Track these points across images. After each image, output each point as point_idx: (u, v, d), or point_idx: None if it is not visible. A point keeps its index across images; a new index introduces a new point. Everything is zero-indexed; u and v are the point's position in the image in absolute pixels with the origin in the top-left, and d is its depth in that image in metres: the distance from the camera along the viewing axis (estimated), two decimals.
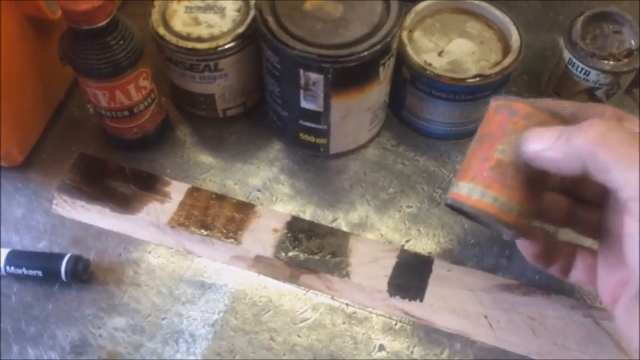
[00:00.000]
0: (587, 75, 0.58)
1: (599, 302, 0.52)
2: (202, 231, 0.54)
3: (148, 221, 0.54)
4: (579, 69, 0.58)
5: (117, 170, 0.57)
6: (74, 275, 0.51)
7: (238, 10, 0.56)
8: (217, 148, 0.61)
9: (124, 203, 0.55)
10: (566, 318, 0.50)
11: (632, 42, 0.57)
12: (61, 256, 0.51)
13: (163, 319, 0.51)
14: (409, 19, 0.58)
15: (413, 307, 0.51)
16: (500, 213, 0.37)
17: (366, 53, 0.49)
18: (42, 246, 0.54)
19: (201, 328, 0.50)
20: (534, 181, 0.37)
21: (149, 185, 0.56)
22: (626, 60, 0.57)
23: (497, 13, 0.59)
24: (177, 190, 0.56)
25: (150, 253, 0.54)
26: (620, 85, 0.59)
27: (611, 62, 0.57)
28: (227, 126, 0.62)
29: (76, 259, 0.51)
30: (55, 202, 0.56)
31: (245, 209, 0.55)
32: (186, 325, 0.50)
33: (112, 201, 0.55)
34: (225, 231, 0.54)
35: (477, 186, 0.37)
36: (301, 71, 0.50)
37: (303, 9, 0.51)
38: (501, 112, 0.38)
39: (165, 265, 0.54)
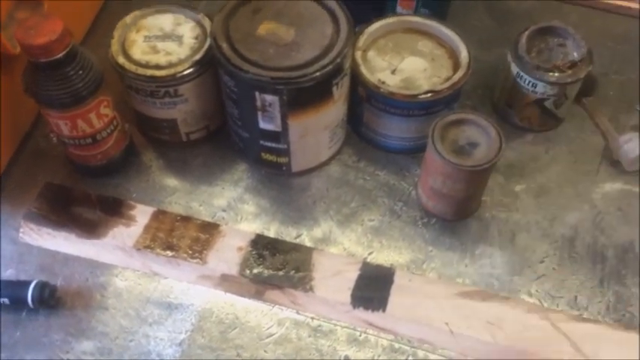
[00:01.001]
0: (535, 87, 0.60)
1: (556, 305, 0.54)
2: (168, 252, 0.55)
3: (114, 245, 0.55)
4: (527, 81, 0.60)
5: (83, 197, 0.58)
6: (41, 301, 0.51)
7: (196, 38, 0.58)
8: (182, 172, 0.62)
9: (89, 229, 0.56)
10: (523, 321, 0.51)
11: (575, 54, 0.60)
12: (27, 283, 0.52)
13: (131, 340, 0.52)
14: (362, 40, 0.60)
15: (376, 317, 0.52)
16: None
17: (317, 74, 0.51)
18: (9, 274, 0.55)
19: (168, 348, 0.51)
20: None
21: (115, 210, 0.57)
22: (570, 71, 0.60)
23: (447, 31, 0.61)
24: (142, 214, 0.57)
25: (117, 276, 0.55)
26: (566, 95, 0.61)
27: (556, 74, 0.59)
28: (191, 149, 0.63)
29: (42, 286, 0.52)
30: (21, 230, 0.56)
31: (210, 229, 0.57)
32: (153, 346, 0.51)
33: (78, 227, 0.56)
34: (190, 251, 0.55)
35: None
36: (257, 94, 0.52)
37: (257, 34, 0.53)
38: None
39: (132, 288, 0.54)
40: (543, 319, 0.52)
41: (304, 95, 0.52)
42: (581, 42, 0.60)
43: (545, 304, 0.54)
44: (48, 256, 0.56)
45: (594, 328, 0.51)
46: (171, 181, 0.61)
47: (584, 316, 0.53)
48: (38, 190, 0.59)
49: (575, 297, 0.54)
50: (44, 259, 0.56)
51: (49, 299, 0.52)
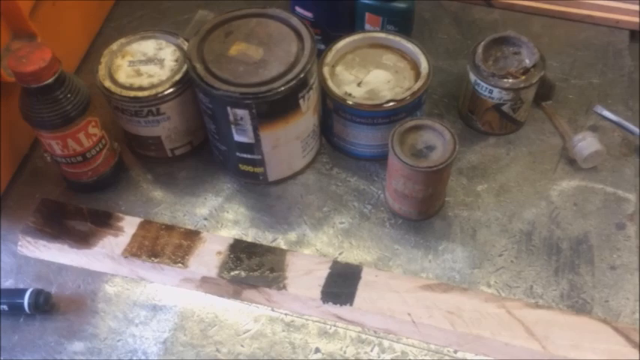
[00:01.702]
0: (491, 93, 0.65)
1: (513, 295, 0.57)
2: (153, 259, 0.59)
3: (104, 254, 0.60)
4: (484, 88, 0.65)
5: (75, 211, 0.63)
6: (36, 307, 0.56)
7: (176, 60, 0.63)
8: (168, 185, 0.67)
9: (81, 239, 0.61)
10: (481, 310, 0.55)
11: (528, 61, 0.64)
12: (23, 291, 0.56)
13: (119, 340, 0.56)
14: (330, 56, 0.65)
15: (344, 311, 0.56)
16: None
17: (282, 88, 0.56)
18: (9, 284, 0.60)
19: (153, 346, 0.56)
20: None
21: (104, 221, 0.62)
22: (523, 77, 0.64)
23: (409, 45, 0.66)
24: (129, 224, 0.62)
25: (106, 282, 0.60)
26: (522, 99, 0.65)
27: (510, 80, 0.64)
28: (177, 164, 0.68)
29: (37, 293, 0.56)
30: (19, 243, 0.62)
31: (192, 236, 0.61)
32: (139, 345, 0.56)
33: (70, 238, 0.61)
34: (173, 257, 0.60)
35: None
36: (229, 109, 0.57)
37: (228, 54, 0.59)
38: None
39: (120, 292, 0.59)
40: (500, 308, 0.55)
41: (272, 108, 0.57)
42: (534, 50, 0.65)
43: (503, 294, 0.57)
44: (44, 266, 0.61)
45: (547, 313, 0.55)
46: (158, 194, 0.66)
47: (539, 304, 0.56)
48: (35, 206, 0.64)
49: (531, 286, 0.58)
50: (40, 269, 0.60)
51: (44, 305, 0.57)
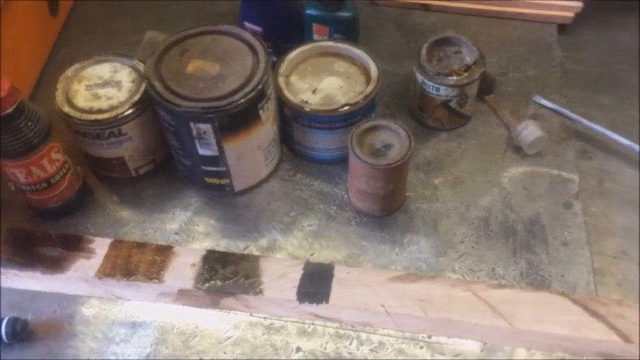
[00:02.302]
0: (438, 91, 0.68)
1: (477, 278, 0.61)
2: (127, 277, 0.60)
3: (78, 277, 0.60)
4: (431, 87, 0.69)
5: (44, 237, 0.63)
6: (14, 336, 0.56)
7: (133, 81, 0.64)
8: (135, 204, 0.68)
9: (53, 265, 0.61)
10: (449, 295, 0.59)
11: (469, 59, 0.69)
12: None
13: None
14: (284, 67, 0.68)
15: (320, 309, 0.58)
16: None
17: (242, 100, 0.58)
18: None
19: None
20: None
21: (74, 245, 0.63)
22: (466, 74, 0.68)
23: (358, 51, 0.69)
24: (100, 245, 0.63)
25: (82, 305, 0.60)
26: (467, 94, 0.70)
27: (455, 77, 0.68)
28: (142, 183, 0.69)
29: (13, 321, 0.56)
30: None
31: (164, 251, 0.62)
32: None
33: (42, 265, 0.61)
34: (148, 273, 0.60)
35: None
36: (192, 124, 0.59)
37: (186, 72, 0.60)
38: None
39: (97, 313, 0.59)
40: (466, 291, 0.59)
41: (234, 120, 0.59)
42: (473, 48, 0.69)
43: (468, 278, 0.61)
44: (16, 294, 0.60)
45: (509, 292, 0.59)
46: (126, 214, 0.67)
47: (502, 284, 0.60)
48: (1, 236, 0.63)
49: (493, 268, 0.62)
50: (13, 298, 0.60)
51: (22, 333, 0.56)
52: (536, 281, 0.61)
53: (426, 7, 0.87)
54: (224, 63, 0.61)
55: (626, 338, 0.55)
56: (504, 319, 0.57)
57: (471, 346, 0.57)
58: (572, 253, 0.62)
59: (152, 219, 0.66)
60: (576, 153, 0.71)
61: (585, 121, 0.72)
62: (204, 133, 0.59)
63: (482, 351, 0.56)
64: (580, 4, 0.83)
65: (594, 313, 0.57)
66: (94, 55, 0.67)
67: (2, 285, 0.61)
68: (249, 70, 0.60)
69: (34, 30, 0.78)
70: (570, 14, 0.84)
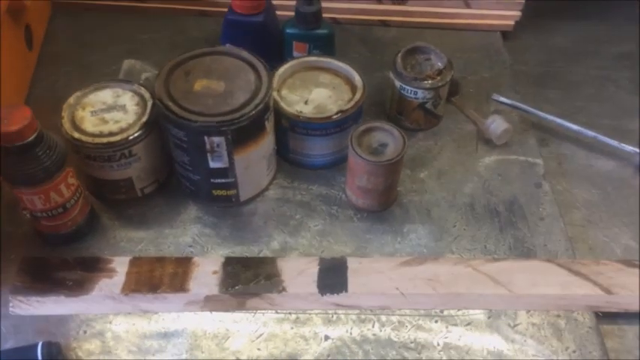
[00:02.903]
0: (416, 94, 0.76)
1: (473, 255, 0.68)
2: (154, 290, 0.62)
3: (103, 296, 0.62)
4: (409, 91, 0.76)
5: (60, 262, 0.64)
6: (51, 358, 0.57)
7: (137, 104, 0.67)
8: (144, 223, 0.70)
9: (76, 287, 0.62)
10: (453, 272, 0.65)
11: (440, 64, 0.77)
12: (34, 346, 0.57)
13: None
14: (275, 82, 0.73)
15: (341, 298, 0.63)
16: None
17: (253, 112, 0.62)
18: (9, 346, 0.59)
19: None
20: None
21: (94, 267, 0.64)
22: (439, 77, 0.76)
23: (340, 64, 0.76)
24: (120, 264, 0.64)
25: (111, 322, 0.61)
26: (440, 96, 0.77)
27: (430, 81, 0.75)
28: (146, 203, 0.71)
29: (48, 345, 0.57)
30: (11, 305, 0.61)
31: (184, 263, 0.65)
32: None
33: (64, 288, 0.62)
34: (173, 284, 0.63)
35: None
36: (206, 138, 0.62)
37: (194, 90, 0.64)
38: None
39: (128, 329, 0.61)
40: (467, 267, 0.66)
41: (245, 132, 0.63)
42: (441, 55, 0.77)
43: (465, 257, 0.68)
44: (42, 320, 0.61)
45: (504, 264, 0.66)
46: (137, 234, 0.69)
47: (496, 257, 0.67)
48: (17, 266, 0.64)
49: (485, 245, 0.69)
50: (39, 324, 0.61)
51: (57, 355, 0.57)
52: (524, 252, 0.68)
53: (385, 23, 0.95)
54: (228, 80, 0.65)
55: (607, 291, 0.64)
56: (504, 287, 0.64)
57: (479, 315, 0.63)
58: (549, 225, 0.71)
59: (164, 235, 0.69)
60: (536, 141, 0.80)
61: (540, 113, 0.82)
62: (218, 146, 0.63)
63: (489, 318, 0.63)
64: (519, 13, 0.94)
65: (578, 273, 0.65)
66: (97, 78, 0.69)
67: (24, 313, 0.61)
68: (254, 85, 0.65)
69: (15, 63, 0.78)
70: (511, 22, 0.95)
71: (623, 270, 0.65)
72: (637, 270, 0.65)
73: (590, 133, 0.79)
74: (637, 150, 0.77)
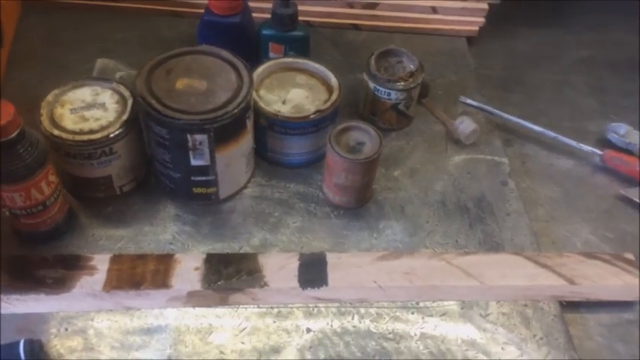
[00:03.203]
0: (389, 95, 0.79)
1: (445, 250, 0.71)
2: (136, 287, 0.63)
3: (84, 293, 0.62)
4: (383, 92, 0.79)
5: (40, 260, 0.64)
6: (33, 356, 0.56)
7: (117, 102, 0.67)
8: (123, 221, 0.70)
9: (57, 285, 0.62)
10: (428, 265, 0.68)
11: (412, 66, 0.80)
12: (16, 344, 0.56)
13: None
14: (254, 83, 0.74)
15: (322, 292, 0.65)
16: None
17: (236, 110, 0.64)
18: None
19: None
20: None
21: (74, 264, 0.64)
22: (411, 79, 0.79)
23: (316, 65, 0.78)
24: (101, 262, 0.64)
25: (93, 320, 0.62)
26: (412, 97, 0.80)
27: (402, 83, 0.78)
28: (125, 201, 0.71)
29: (30, 342, 0.57)
30: None
31: (166, 260, 0.65)
32: None
33: (45, 286, 0.62)
34: (155, 281, 0.63)
35: None
36: (188, 136, 0.63)
37: (176, 89, 0.65)
38: None
39: (110, 325, 0.61)
40: (441, 261, 0.68)
41: (226, 130, 0.65)
42: (413, 57, 0.80)
43: (438, 251, 0.71)
44: (22, 318, 0.61)
45: (475, 257, 0.69)
46: (116, 231, 0.69)
47: (467, 251, 0.71)
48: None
49: (456, 240, 0.72)
50: (19, 322, 0.60)
51: (40, 353, 0.57)
52: (493, 246, 0.72)
53: (356, 27, 0.97)
54: (209, 80, 0.66)
55: (570, 281, 0.67)
56: (476, 279, 0.67)
57: (453, 306, 0.66)
58: (515, 220, 0.75)
59: (144, 233, 0.69)
60: (502, 141, 0.84)
61: (505, 115, 0.86)
62: (200, 143, 0.64)
63: (462, 308, 0.66)
64: (482, 20, 0.98)
65: (543, 265, 0.69)
66: (71, 77, 0.69)
67: (5, 312, 0.60)
68: (235, 84, 0.66)
69: None
70: (475, 28, 0.99)
71: (584, 262, 0.70)
72: (598, 262, 0.69)
73: (551, 133, 0.84)
74: (595, 150, 0.82)
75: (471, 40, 1.00)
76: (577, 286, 0.67)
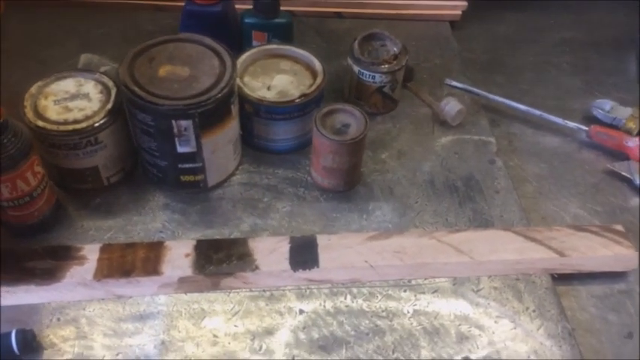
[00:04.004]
0: (374, 78, 0.79)
1: (435, 228, 0.71)
2: (127, 275, 0.62)
3: (75, 283, 0.61)
4: (367, 76, 0.79)
5: (30, 252, 0.63)
6: (26, 345, 0.56)
7: (101, 92, 0.67)
8: (111, 211, 0.70)
9: (47, 276, 0.61)
10: (418, 243, 0.68)
11: (395, 49, 0.80)
12: (7, 334, 0.56)
13: (118, 354, 0.58)
14: (237, 69, 0.74)
15: (313, 273, 0.65)
16: None
17: (219, 95, 0.64)
18: None
19: (153, 349, 0.59)
20: None
21: (64, 255, 0.63)
22: (395, 62, 0.79)
23: (300, 51, 0.78)
24: (90, 251, 0.64)
25: (84, 309, 0.61)
26: (397, 80, 0.81)
27: (386, 66, 0.79)
28: (113, 192, 0.71)
29: (22, 332, 0.56)
30: None
31: (156, 247, 0.65)
32: (140, 351, 0.59)
33: (35, 277, 0.61)
34: (145, 268, 0.63)
35: None
36: (173, 122, 0.63)
37: (159, 76, 0.65)
38: None
39: (102, 314, 0.61)
40: (431, 239, 0.69)
41: (211, 115, 0.65)
42: (396, 40, 0.81)
43: (428, 229, 0.71)
44: (12, 310, 0.60)
45: (465, 234, 0.69)
46: (105, 222, 0.69)
47: (457, 229, 0.71)
48: None
49: (446, 219, 0.72)
50: (9, 314, 0.60)
51: (32, 342, 0.57)
52: (482, 223, 0.72)
53: (339, 15, 0.98)
54: (192, 66, 0.66)
55: (560, 254, 0.68)
56: (466, 255, 0.67)
57: (444, 283, 0.66)
58: (504, 198, 0.75)
59: (133, 222, 0.69)
60: (488, 121, 0.85)
61: (490, 96, 0.86)
62: (185, 129, 0.64)
63: (454, 284, 0.66)
64: (465, 4, 0.99)
65: (533, 239, 0.69)
66: (53, 72, 0.69)
67: None
68: (218, 70, 0.66)
69: None
70: (458, 12, 0.99)
71: (574, 234, 0.70)
72: (587, 234, 0.70)
73: (537, 112, 0.84)
74: (581, 126, 0.83)
75: (454, 24, 1.00)
76: (567, 258, 0.67)
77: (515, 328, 0.63)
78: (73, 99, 0.66)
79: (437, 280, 0.66)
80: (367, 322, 0.62)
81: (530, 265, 0.68)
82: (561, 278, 0.68)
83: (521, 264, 0.67)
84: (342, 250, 0.67)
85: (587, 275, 0.68)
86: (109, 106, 0.66)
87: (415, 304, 0.64)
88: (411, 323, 0.63)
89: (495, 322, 0.63)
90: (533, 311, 0.64)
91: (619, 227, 0.71)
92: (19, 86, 0.69)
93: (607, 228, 0.71)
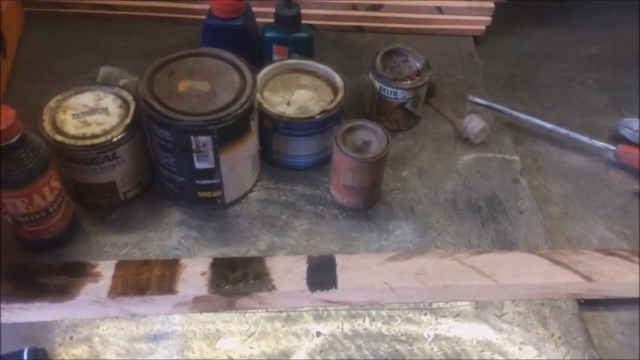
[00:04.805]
0: (396, 95, 0.77)
1: (457, 249, 0.69)
2: (141, 293, 0.61)
3: (89, 300, 0.61)
4: (389, 92, 0.77)
5: (43, 268, 0.63)
6: None
7: (120, 107, 0.67)
8: (127, 227, 0.69)
9: (61, 293, 0.61)
10: (439, 265, 0.66)
11: (418, 64, 0.79)
12: (19, 353, 0.55)
13: None
14: (257, 84, 0.73)
15: (331, 294, 0.63)
16: None
17: (239, 111, 0.63)
18: None
19: None
20: None
21: (78, 271, 0.63)
22: (417, 78, 0.78)
23: (321, 66, 0.77)
24: (105, 268, 0.63)
25: (98, 327, 0.60)
26: (419, 96, 0.79)
27: (409, 82, 0.77)
28: (129, 207, 0.70)
29: (34, 351, 0.56)
30: None
31: (172, 265, 0.64)
32: None
33: (48, 294, 0.60)
34: (160, 287, 0.62)
35: None
36: (192, 138, 0.62)
37: (178, 91, 0.64)
38: None
39: (115, 333, 0.60)
40: (453, 260, 0.67)
41: (230, 131, 0.64)
42: (419, 56, 0.79)
43: (450, 250, 0.69)
44: (25, 327, 0.59)
45: (488, 256, 0.67)
46: (120, 238, 0.68)
47: (480, 250, 0.69)
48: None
49: (469, 240, 0.70)
50: (23, 331, 0.59)
51: None
52: (506, 245, 0.70)
53: (360, 29, 0.97)
54: (212, 81, 0.65)
55: (587, 278, 0.65)
56: (490, 278, 0.65)
57: (466, 307, 0.64)
58: (529, 219, 0.73)
59: (149, 239, 0.68)
60: (512, 139, 0.83)
61: (515, 113, 0.84)
62: (204, 145, 0.63)
63: (476, 308, 0.64)
64: (489, 19, 0.97)
65: (559, 263, 0.67)
66: (72, 85, 0.68)
67: (8, 321, 0.59)
68: (238, 85, 0.65)
69: None
70: (482, 27, 0.98)
71: (601, 258, 0.68)
72: (615, 258, 0.67)
73: (563, 130, 0.82)
74: (608, 145, 0.80)
75: (477, 39, 0.99)
76: (595, 283, 0.65)
77: (540, 356, 0.60)
78: (91, 113, 0.66)
79: (459, 303, 0.64)
80: (386, 346, 0.61)
81: (555, 290, 0.65)
82: (587, 304, 0.65)
83: (547, 288, 0.65)
84: (361, 270, 0.65)
85: (614, 301, 0.66)
86: (128, 120, 0.65)
87: (436, 329, 0.62)
88: (432, 348, 0.61)
89: (519, 348, 0.61)
90: (559, 338, 0.62)
91: None
92: (40, 99, 0.68)
93: (636, 252, 0.68)
